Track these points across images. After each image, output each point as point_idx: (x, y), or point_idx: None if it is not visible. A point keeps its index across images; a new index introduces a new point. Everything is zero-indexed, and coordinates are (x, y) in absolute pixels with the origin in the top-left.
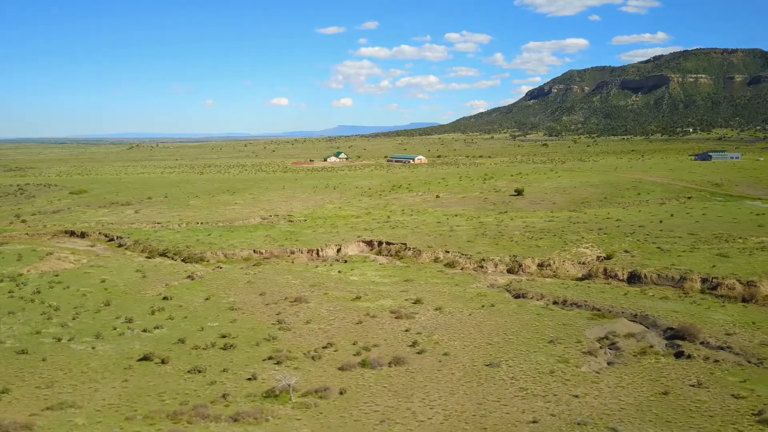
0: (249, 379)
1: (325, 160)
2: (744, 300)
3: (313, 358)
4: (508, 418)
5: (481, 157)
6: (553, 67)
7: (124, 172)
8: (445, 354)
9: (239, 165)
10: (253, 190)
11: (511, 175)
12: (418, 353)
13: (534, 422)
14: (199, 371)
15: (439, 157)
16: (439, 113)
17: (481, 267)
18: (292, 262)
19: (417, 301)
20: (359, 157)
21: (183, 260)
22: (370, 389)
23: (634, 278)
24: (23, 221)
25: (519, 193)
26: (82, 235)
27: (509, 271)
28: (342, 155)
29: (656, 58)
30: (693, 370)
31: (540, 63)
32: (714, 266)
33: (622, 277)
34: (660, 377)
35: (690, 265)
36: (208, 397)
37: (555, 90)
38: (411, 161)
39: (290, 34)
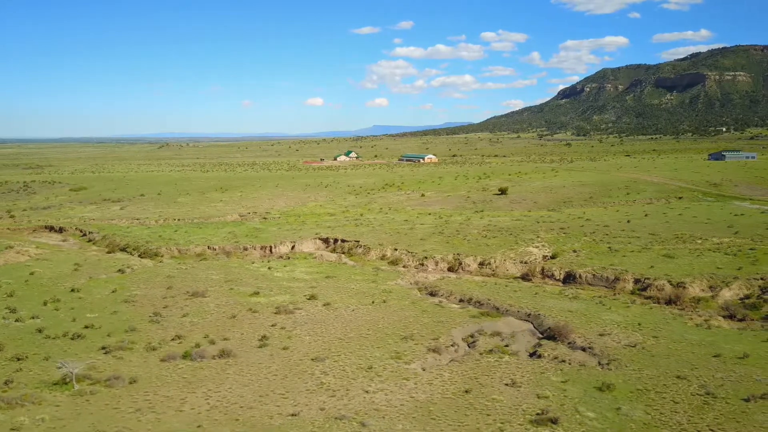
0: (59, 367)
1: (335, 159)
2: (669, 302)
3: (147, 349)
4: (272, 411)
5: (496, 156)
6: (591, 66)
7: (134, 171)
8: (284, 348)
9: (251, 163)
10: (245, 188)
11: (509, 175)
12: (260, 347)
13: (293, 415)
14: (19, 359)
15: (453, 156)
16: (475, 113)
17: (422, 265)
18: (245, 258)
19: (312, 297)
20: (376, 156)
21: (139, 255)
22: (165, 380)
23: (570, 278)
24: (12, 216)
25: (503, 192)
26: (60, 230)
27: (450, 269)
28: (352, 154)
29: (693, 56)
30: (526, 369)
31: (578, 62)
32: (652, 267)
33: (558, 277)
34: (481, 375)
35: (630, 265)
36: None
37: (588, 89)
38: (420, 160)
39: (325, 34)
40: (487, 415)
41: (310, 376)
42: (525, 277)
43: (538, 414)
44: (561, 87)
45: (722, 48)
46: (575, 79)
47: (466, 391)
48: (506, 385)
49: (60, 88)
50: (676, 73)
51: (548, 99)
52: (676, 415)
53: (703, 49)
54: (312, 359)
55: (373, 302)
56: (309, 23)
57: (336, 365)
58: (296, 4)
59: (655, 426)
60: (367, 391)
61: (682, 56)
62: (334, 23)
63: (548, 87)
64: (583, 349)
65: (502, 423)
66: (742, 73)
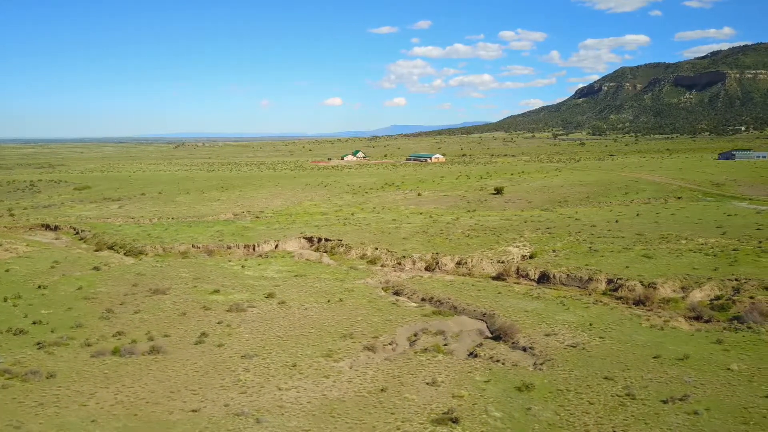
0: None
1: (342, 158)
2: (638, 302)
3: (83, 345)
4: (176, 406)
5: (505, 156)
6: (611, 65)
7: (142, 170)
8: (219, 345)
9: (258, 163)
10: (245, 187)
11: (511, 174)
12: (195, 344)
13: (194, 411)
14: None
15: (463, 156)
16: (494, 112)
17: (400, 264)
18: (227, 256)
19: (269, 296)
20: (385, 156)
21: (125, 253)
22: (84, 375)
23: (544, 278)
24: (12, 215)
25: (498, 192)
26: (55, 229)
27: (427, 269)
28: (360, 154)
29: (713, 54)
30: (454, 369)
31: (598, 60)
32: (627, 267)
33: (533, 277)
34: (406, 374)
35: (606, 265)
36: None
37: (605, 88)
38: (428, 160)
39: (343, 34)
40: (391, 413)
41: (231, 372)
42: (500, 277)
43: (444, 413)
44: (581, 86)
45: (743, 46)
46: (594, 78)
47: (382, 390)
48: (427, 384)
49: (81, 88)
50: (695, 71)
51: (566, 98)
52: (586, 416)
53: (726, 47)
54: (242, 356)
55: (329, 301)
56: (327, 23)
57: (262, 363)
58: (314, 4)
59: (560, 426)
60: (280, 389)
61: (702, 54)
62: (353, 23)
63: (567, 86)
64: (524, 349)
65: (402, 422)
66: (763, 71)
